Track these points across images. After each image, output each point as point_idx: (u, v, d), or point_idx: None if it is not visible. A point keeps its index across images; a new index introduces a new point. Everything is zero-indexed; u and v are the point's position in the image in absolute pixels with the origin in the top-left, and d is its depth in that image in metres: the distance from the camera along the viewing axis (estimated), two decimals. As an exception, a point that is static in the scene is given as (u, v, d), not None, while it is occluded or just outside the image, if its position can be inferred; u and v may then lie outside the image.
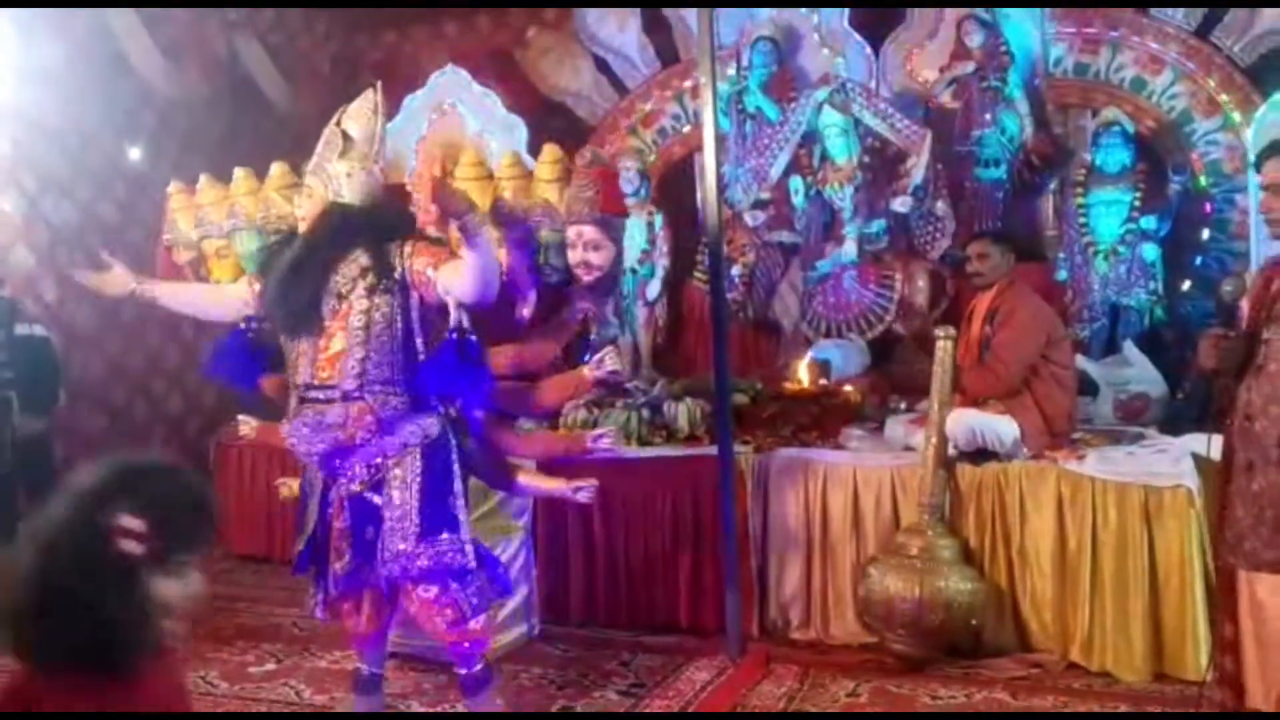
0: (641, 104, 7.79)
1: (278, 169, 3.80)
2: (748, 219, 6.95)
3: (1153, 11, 6.54)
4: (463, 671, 3.53)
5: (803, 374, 5.63)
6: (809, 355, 5.91)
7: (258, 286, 3.49)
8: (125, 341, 7.84)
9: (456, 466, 3.46)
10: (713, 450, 4.47)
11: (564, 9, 7.99)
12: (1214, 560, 3.13)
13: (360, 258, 3.31)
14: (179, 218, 3.96)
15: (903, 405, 5.37)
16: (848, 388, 5.57)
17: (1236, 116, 6.31)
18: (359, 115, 3.45)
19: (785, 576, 4.63)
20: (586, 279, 3.56)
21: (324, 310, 3.31)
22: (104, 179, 7.66)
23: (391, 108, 6.95)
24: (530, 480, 3.93)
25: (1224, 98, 6.39)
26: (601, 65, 7.87)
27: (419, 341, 3.35)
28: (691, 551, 4.71)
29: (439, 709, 4.03)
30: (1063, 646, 4.19)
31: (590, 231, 3.48)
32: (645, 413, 5.10)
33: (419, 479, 3.35)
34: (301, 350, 3.36)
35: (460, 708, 3.80)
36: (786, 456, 4.73)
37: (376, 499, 3.38)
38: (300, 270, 3.32)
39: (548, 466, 4.16)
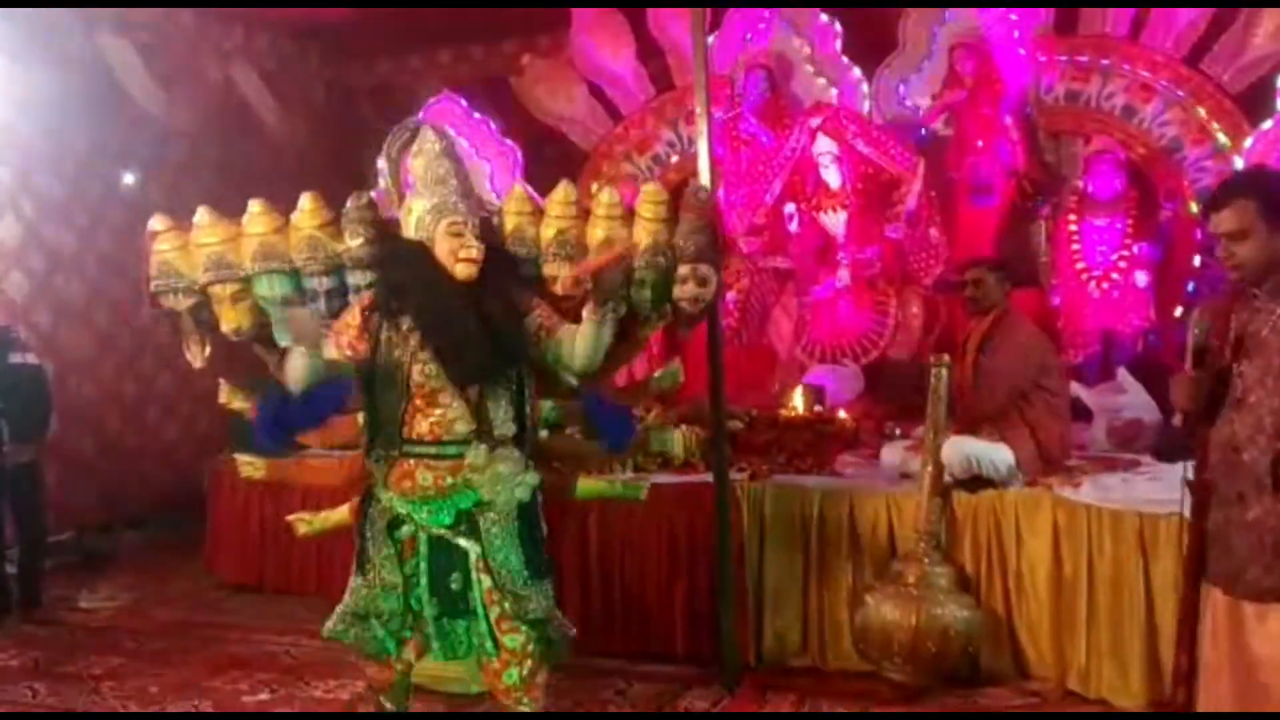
0: (636, 130, 7.82)
1: (310, 203, 3.51)
2: (742, 245, 6.97)
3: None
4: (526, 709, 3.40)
5: (797, 400, 5.64)
6: (803, 381, 5.92)
7: (355, 335, 3.25)
8: (119, 368, 7.84)
9: (539, 509, 3.43)
10: (708, 477, 4.46)
11: (559, 35, 8.04)
12: (1177, 590, 3.14)
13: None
14: (177, 261, 3.55)
15: (897, 432, 5.37)
16: (842, 414, 5.59)
17: (1226, 143, 6.36)
18: (450, 159, 3.34)
19: (781, 604, 4.61)
20: (692, 311, 3.58)
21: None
22: (100, 206, 7.69)
23: (387, 135, 7.06)
24: (587, 483, 3.87)
25: (1214, 125, 6.44)
26: (596, 92, 7.92)
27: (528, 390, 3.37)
28: (687, 579, 4.69)
29: None
30: (1060, 674, 4.17)
31: (704, 269, 3.50)
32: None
33: (516, 521, 3.31)
34: (445, 401, 3.24)
35: None
36: (782, 483, 4.72)
37: (465, 543, 3.30)
38: (509, 309, 3.26)
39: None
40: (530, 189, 3.92)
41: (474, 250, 3.20)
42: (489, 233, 3.46)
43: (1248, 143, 5.98)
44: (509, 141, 7.45)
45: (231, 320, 3.62)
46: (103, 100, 7.31)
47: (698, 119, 4.33)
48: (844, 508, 4.54)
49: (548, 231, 3.56)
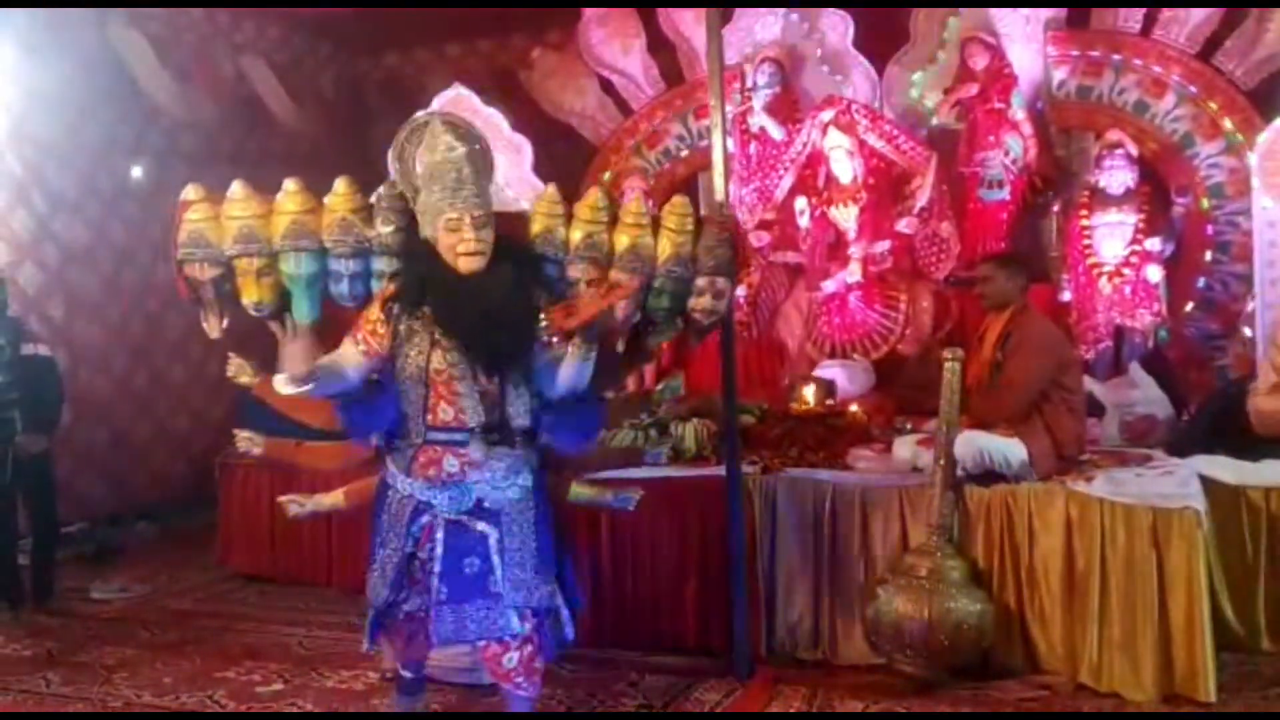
0: (646, 124, 7.83)
1: (345, 186, 3.54)
2: (752, 239, 6.97)
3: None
4: (523, 694, 3.53)
5: (808, 394, 5.64)
6: (814, 375, 5.92)
7: (383, 330, 3.30)
8: (131, 360, 7.87)
9: (548, 504, 3.51)
10: (720, 471, 4.47)
11: (569, 29, 8.04)
12: None
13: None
14: (207, 230, 3.53)
15: (908, 426, 5.38)
16: (853, 408, 5.58)
17: (1239, 139, 6.35)
18: (462, 150, 3.29)
19: (793, 597, 4.62)
20: (705, 322, 3.65)
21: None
22: (113, 199, 7.71)
23: (396, 127, 7.05)
24: (580, 488, 3.92)
25: (1226, 121, 6.44)
26: (606, 86, 7.92)
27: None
28: (699, 572, 4.70)
29: None
30: (1071, 668, 4.18)
31: (722, 282, 3.58)
32: (652, 433, 5.11)
33: (532, 511, 3.41)
34: (459, 391, 3.29)
35: None
36: (794, 477, 4.73)
37: (484, 527, 3.36)
38: (522, 308, 3.27)
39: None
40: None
41: (472, 243, 3.22)
42: (507, 226, 3.47)
43: (1260, 138, 5.96)
44: (519, 135, 7.44)
45: (253, 294, 3.62)
46: (115, 93, 7.34)
47: (711, 114, 4.33)
48: (856, 501, 4.55)
49: (575, 234, 3.58)
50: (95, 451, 7.45)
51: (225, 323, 3.76)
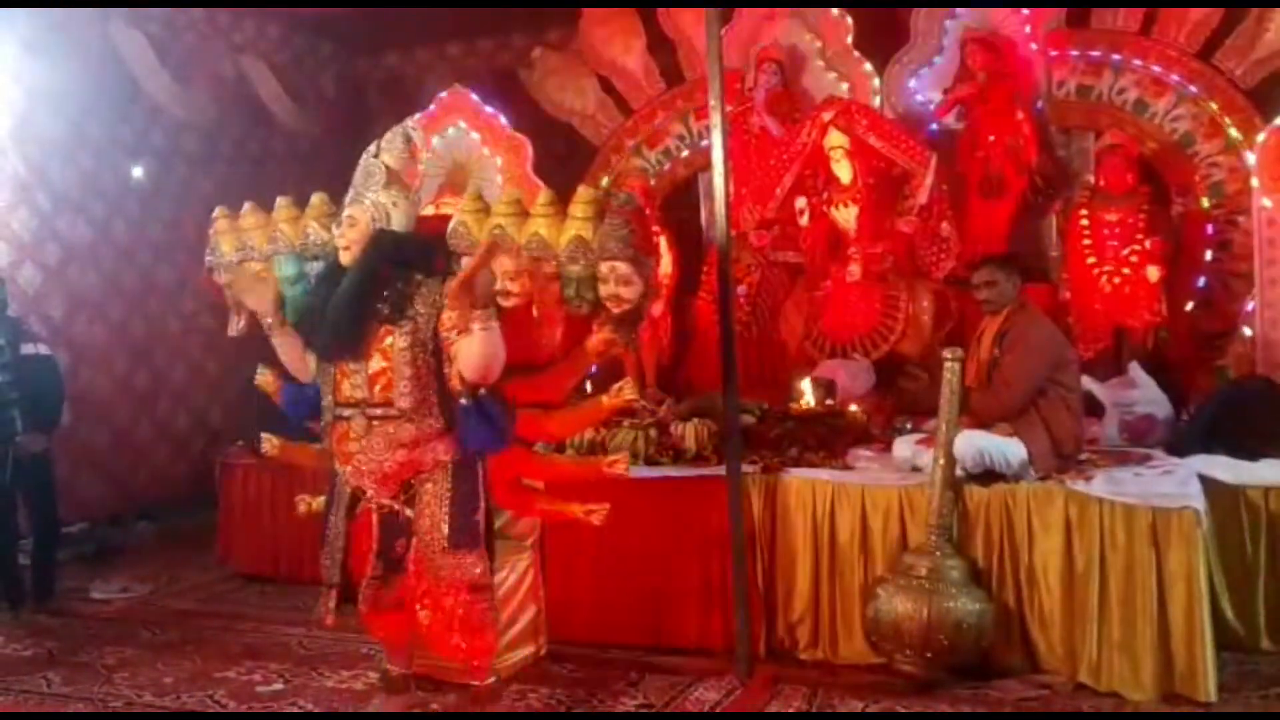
0: (646, 124, 7.83)
1: (318, 199, 4.00)
2: (753, 238, 6.98)
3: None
4: (475, 684, 3.81)
5: (808, 394, 5.64)
6: (814, 375, 5.92)
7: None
8: (132, 359, 7.87)
9: (482, 486, 3.73)
10: (720, 470, 4.48)
11: (569, 28, 8.04)
12: None
13: (407, 285, 3.59)
14: (221, 241, 4.09)
15: (908, 425, 5.38)
16: (854, 408, 5.58)
17: (1239, 138, 6.35)
18: (395, 149, 3.73)
19: (793, 597, 4.63)
20: (616, 311, 3.68)
21: (369, 331, 3.58)
22: (115, 198, 7.72)
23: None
24: (545, 504, 4.18)
25: (1226, 120, 6.44)
26: (606, 86, 7.92)
27: (448, 369, 3.60)
28: (699, 572, 4.70)
29: None
30: (1071, 667, 4.18)
31: (623, 268, 3.61)
32: (653, 433, 5.11)
33: (449, 494, 3.63)
34: (347, 370, 3.63)
35: None
36: (794, 477, 4.73)
37: (408, 512, 3.67)
38: (359, 293, 3.56)
39: (557, 489, 4.29)
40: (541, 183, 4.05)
41: (341, 239, 3.65)
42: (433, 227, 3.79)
43: (1260, 138, 5.96)
44: (519, 135, 7.45)
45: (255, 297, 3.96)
46: (117, 93, 7.35)
47: (711, 114, 4.33)
48: (856, 501, 4.55)
49: (484, 228, 3.70)
50: (96, 451, 7.45)
51: (243, 323, 4.15)
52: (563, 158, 7.81)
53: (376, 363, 3.59)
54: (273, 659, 4.84)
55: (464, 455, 3.66)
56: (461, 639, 3.69)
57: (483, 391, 3.58)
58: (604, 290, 3.64)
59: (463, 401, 3.57)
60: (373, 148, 3.75)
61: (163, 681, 4.60)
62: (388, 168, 3.70)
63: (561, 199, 3.72)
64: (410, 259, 3.63)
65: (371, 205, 3.65)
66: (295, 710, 4.26)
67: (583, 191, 3.72)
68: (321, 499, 4.01)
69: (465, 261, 3.54)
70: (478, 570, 3.67)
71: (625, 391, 3.85)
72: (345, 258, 3.65)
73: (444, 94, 7.19)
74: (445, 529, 3.61)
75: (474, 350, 3.46)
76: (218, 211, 4.15)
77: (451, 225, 3.75)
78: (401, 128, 3.80)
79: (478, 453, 3.71)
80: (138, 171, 7.80)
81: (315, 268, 3.91)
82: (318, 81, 9.08)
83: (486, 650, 3.79)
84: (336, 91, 9.26)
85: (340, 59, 9.28)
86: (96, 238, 7.55)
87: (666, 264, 6.77)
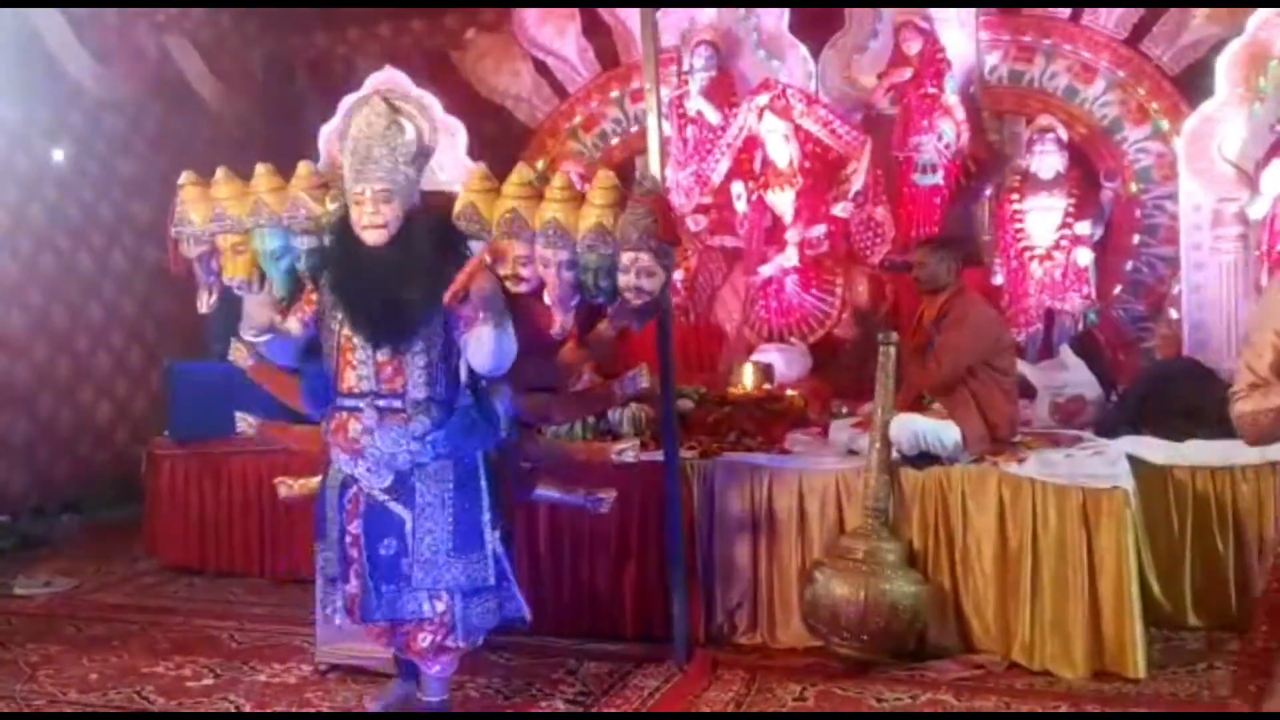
0: (582, 107, 7.77)
1: (305, 168, 3.72)
2: (690, 223, 6.96)
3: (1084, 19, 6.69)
4: (424, 699, 3.67)
5: (746, 378, 5.64)
6: (751, 359, 5.93)
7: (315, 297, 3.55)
8: (52, 348, 7.65)
9: (485, 482, 3.55)
10: (658, 455, 4.45)
11: (502, 10, 7.94)
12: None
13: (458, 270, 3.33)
14: (191, 210, 3.77)
15: (844, 409, 5.41)
16: (791, 392, 5.60)
17: (1165, 124, 6.47)
18: (378, 127, 3.40)
19: (731, 582, 4.62)
20: (636, 303, 3.58)
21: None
22: (32, 182, 7.48)
23: (327, 108, 6.91)
24: (548, 488, 3.99)
25: (1154, 106, 6.56)
26: (541, 68, 7.84)
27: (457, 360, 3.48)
28: (637, 558, 4.69)
29: None
30: (1004, 647, 4.23)
31: (646, 258, 3.50)
32: (589, 418, 5.07)
33: (452, 492, 3.47)
34: (352, 360, 3.44)
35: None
36: (731, 461, 4.73)
37: (400, 510, 3.47)
38: (430, 280, 3.33)
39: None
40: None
41: (375, 217, 3.35)
42: (436, 206, 3.52)
43: (1186, 124, 6.07)
44: (452, 118, 7.34)
45: (233, 271, 3.76)
46: (35, 73, 7.10)
47: (646, 97, 4.30)
48: (793, 485, 4.56)
49: (497, 210, 3.55)
50: (16, 442, 7.24)
51: (214, 298, 3.89)
52: (496, 140, 7.71)
53: (385, 352, 3.41)
54: (202, 653, 4.72)
55: (467, 453, 3.51)
56: (439, 638, 3.52)
57: (484, 384, 3.48)
58: (623, 280, 3.51)
59: (464, 401, 3.46)
60: (382, 109, 3.40)
61: (88, 678, 4.47)
62: (420, 138, 3.44)
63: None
64: (459, 243, 3.48)
65: (405, 181, 3.39)
66: (225, 703, 4.16)
67: (603, 177, 3.59)
68: (305, 481, 3.93)
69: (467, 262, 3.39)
70: (482, 572, 3.50)
71: (641, 379, 3.80)
72: (377, 236, 3.36)
73: (376, 75, 7.07)
74: (450, 529, 3.44)
75: (484, 348, 3.32)
76: (185, 178, 3.83)
77: (459, 206, 3.55)
78: (376, 104, 3.46)
79: (481, 451, 3.56)
80: (57, 154, 7.57)
81: (305, 241, 3.61)
82: (245, 60, 8.85)
83: (449, 660, 3.62)
84: (265, 72, 9.05)
85: (268, 38, 9.05)
86: (13, 223, 7.31)
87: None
